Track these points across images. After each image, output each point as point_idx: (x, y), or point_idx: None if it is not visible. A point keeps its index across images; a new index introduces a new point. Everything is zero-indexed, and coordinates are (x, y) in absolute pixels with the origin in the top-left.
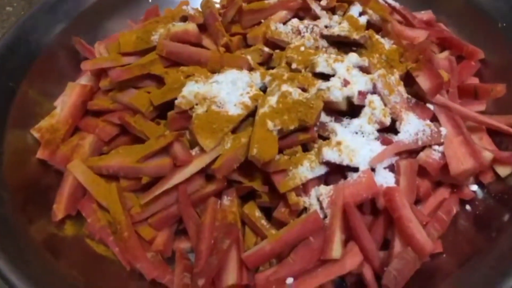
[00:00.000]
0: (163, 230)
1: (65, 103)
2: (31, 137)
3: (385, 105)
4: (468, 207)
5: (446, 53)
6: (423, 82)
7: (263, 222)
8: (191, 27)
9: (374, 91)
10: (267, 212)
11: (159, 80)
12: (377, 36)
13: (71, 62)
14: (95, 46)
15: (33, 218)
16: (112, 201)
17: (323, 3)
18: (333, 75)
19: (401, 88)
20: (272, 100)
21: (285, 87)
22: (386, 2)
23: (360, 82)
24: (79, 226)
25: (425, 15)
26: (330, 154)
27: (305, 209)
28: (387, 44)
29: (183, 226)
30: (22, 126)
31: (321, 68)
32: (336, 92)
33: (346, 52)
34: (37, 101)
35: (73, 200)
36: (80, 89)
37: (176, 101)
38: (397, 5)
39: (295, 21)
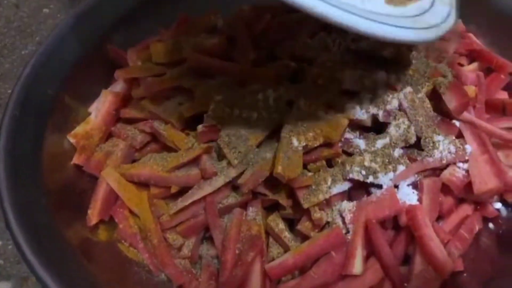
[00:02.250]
0: (190, 238)
1: (99, 110)
2: (67, 143)
3: (411, 122)
4: (491, 225)
5: (475, 65)
6: (449, 100)
7: (287, 234)
8: (220, 41)
9: (400, 108)
10: (290, 223)
11: (189, 92)
12: (405, 51)
13: (104, 68)
14: (127, 53)
15: (69, 222)
16: (143, 209)
17: None
18: (359, 92)
19: (427, 106)
20: (298, 117)
21: (310, 104)
22: None
23: (386, 100)
24: (112, 231)
25: (455, 25)
26: (354, 171)
27: (327, 223)
28: (414, 59)
29: (209, 233)
30: (59, 132)
31: (347, 85)
32: (361, 110)
33: (373, 67)
34: (73, 107)
35: (106, 206)
36: (114, 97)
37: (205, 115)
38: None
39: (322, 34)
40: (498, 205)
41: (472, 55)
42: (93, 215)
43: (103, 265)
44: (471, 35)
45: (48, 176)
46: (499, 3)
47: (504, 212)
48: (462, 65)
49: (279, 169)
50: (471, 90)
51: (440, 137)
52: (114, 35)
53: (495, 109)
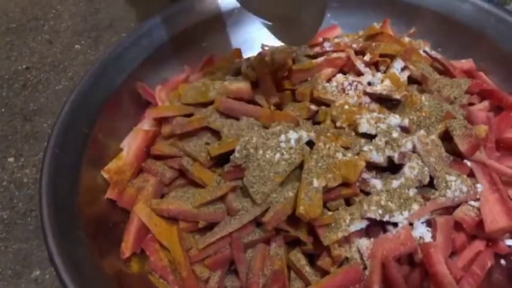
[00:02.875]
0: (216, 271)
1: (130, 147)
2: (101, 178)
3: (424, 163)
4: (503, 261)
5: (486, 103)
6: (460, 143)
7: (307, 269)
8: (245, 85)
9: (414, 150)
10: (311, 257)
11: (216, 132)
12: (417, 93)
13: (134, 105)
14: (156, 91)
15: (104, 254)
16: (172, 243)
17: (367, 58)
18: (375, 135)
19: (440, 147)
20: (317, 158)
21: (329, 146)
22: (427, 53)
23: (400, 143)
24: (143, 263)
25: (466, 64)
26: (371, 210)
27: (346, 259)
28: (426, 100)
29: (234, 267)
30: (94, 167)
31: (363, 128)
32: (377, 153)
33: (388, 107)
34: (105, 143)
35: (138, 239)
36: (144, 134)
37: (231, 157)
38: (438, 55)
39: (339, 77)
40: (510, 242)
41: (483, 94)
42: (127, 248)
43: None
44: (481, 74)
45: (85, 210)
46: (510, 42)
47: None
48: (473, 104)
49: (301, 209)
50: (481, 129)
51: (453, 177)
52: (143, 73)
53: (506, 147)
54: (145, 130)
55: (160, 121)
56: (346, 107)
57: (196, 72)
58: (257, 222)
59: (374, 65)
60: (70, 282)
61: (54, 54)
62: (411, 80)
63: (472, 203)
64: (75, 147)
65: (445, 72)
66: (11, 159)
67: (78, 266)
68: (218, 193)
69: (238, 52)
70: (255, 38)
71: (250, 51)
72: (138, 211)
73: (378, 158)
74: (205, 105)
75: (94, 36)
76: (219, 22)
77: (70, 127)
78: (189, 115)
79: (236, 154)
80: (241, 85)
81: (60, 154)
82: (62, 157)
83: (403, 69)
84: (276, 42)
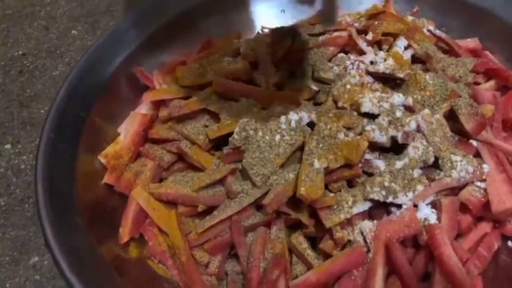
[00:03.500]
0: (216, 255)
1: (127, 131)
2: (98, 162)
3: (429, 143)
4: (510, 243)
5: (491, 83)
6: (466, 121)
7: (309, 252)
8: (243, 65)
9: (418, 130)
10: (313, 241)
11: (214, 114)
12: (421, 72)
13: (132, 89)
14: (153, 75)
15: (101, 239)
16: (171, 227)
17: (369, 37)
18: (378, 115)
19: (445, 127)
20: (319, 139)
21: (331, 127)
22: (431, 32)
23: (404, 123)
24: (142, 248)
25: (471, 43)
26: (374, 191)
27: (349, 242)
28: (431, 79)
29: (234, 251)
30: (91, 152)
31: (366, 108)
32: (380, 133)
33: (391, 87)
34: (103, 128)
35: (137, 224)
36: (141, 118)
37: (230, 139)
38: (442, 34)
39: (341, 57)
40: None
41: (489, 73)
42: (125, 233)
43: (134, 281)
44: (487, 53)
45: (82, 196)
46: None
47: None
48: (478, 84)
49: (301, 190)
50: (487, 109)
51: (458, 157)
52: (140, 57)
53: None
54: (143, 114)
55: (158, 105)
56: (348, 86)
57: (194, 55)
58: (257, 205)
59: (377, 44)
60: (67, 267)
61: (51, 40)
62: (415, 59)
63: (478, 184)
64: (71, 132)
65: (449, 51)
66: (8, 146)
67: (75, 251)
68: (217, 176)
69: (237, 34)
70: (254, 20)
71: (250, 34)
72: (136, 196)
73: (381, 137)
74: (203, 87)
75: (91, 21)
76: (218, 4)
77: (66, 112)
78: (187, 97)
79: (235, 136)
80: (240, 66)
81: (56, 139)
82: (58, 142)
83: (406, 47)
84: (275, 24)
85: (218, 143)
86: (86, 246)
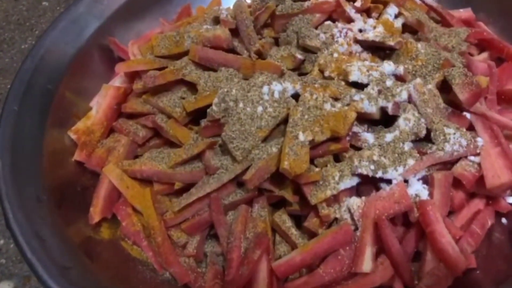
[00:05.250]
0: (195, 235)
1: (100, 105)
2: (68, 139)
3: (420, 114)
4: (504, 220)
5: (485, 55)
6: (460, 91)
7: (294, 231)
8: (223, 32)
9: (409, 100)
10: (298, 219)
11: (192, 85)
12: (413, 41)
13: (106, 61)
14: (128, 46)
15: (70, 220)
16: (146, 206)
17: (358, 4)
18: (367, 85)
19: (437, 98)
20: (304, 110)
21: (317, 97)
22: (423, 1)
23: (394, 92)
24: (115, 229)
25: (464, 13)
26: (362, 165)
27: (336, 220)
28: (423, 48)
29: (214, 231)
30: (60, 127)
31: (354, 77)
32: (369, 103)
33: (381, 57)
34: (73, 102)
35: (109, 203)
36: (114, 91)
37: (208, 110)
38: (434, 3)
39: (327, 24)
40: (511, 199)
41: (482, 45)
42: (95, 213)
43: (106, 264)
44: (481, 23)
45: (49, 173)
46: None
47: None
48: (472, 55)
49: (285, 164)
50: (482, 80)
51: (451, 130)
52: (113, 28)
53: (507, 100)
54: (116, 87)
55: (133, 78)
56: (335, 55)
57: (172, 24)
58: (238, 182)
59: (366, 12)
60: (28, 249)
61: (20, 12)
62: (406, 29)
63: (472, 158)
64: (38, 105)
65: (441, 21)
66: None
67: (38, 233)
68: (194, 150)
69: (217, 0)
70: None
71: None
72: (108, 173)
73: (370, 108)
74: (180, 56)
75: None
76: None
77: (32, 84)
78: (163, 68)
79: (214, 108)
80: (219, 32)
81: (20, 113)
82: (23, 116)
83: (397, 15)
84: None
85: (196, 117)
86: (51, 227)
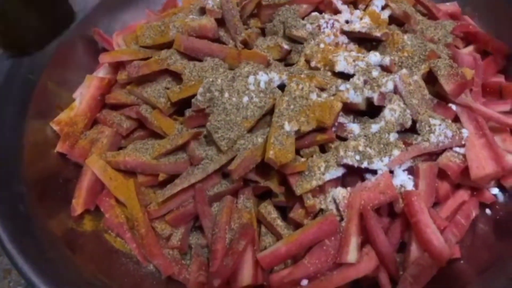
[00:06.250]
0: (179, 227)
1: (83, 96)
2: (50, 130)
3: (406, 105)
4: (488, 211)
5: (470, 48)
6: (446, 82)
7: (279, 222)
8: (209, 22)
9: (395, 91)
10: (283, 211)
11: (176, 75)
12: (399, 32)
13: (90, 52)
14: (113, 37)
15: (52, 212)
16: (129, 198)
17: None
18: (353, 75)
19: (423, 89)
20: (290, 100)
21: (303, 87)
22: None
23: (380, 83)
24: (98, 221)
25: (450, 7)
26: (348, 156)
27: (321, 211)
28: (409, 40)
29: (199, 223)
30: (42, 118)
31: (340, 67)
32: (355, 93)
33: (367, 48)
34: (56, 93)
35: (92, 195)
36: (98, 82)
37: (193, 100)
38: None
39: (314, 15)
40: (495, 190)
41: (468, 38)
42: (78, 204)
43: (88, 256)
44: (466, 17)
45: (30, 165)
46: None
47: (501, 197)
48: (457, 48)
49: (270, 154)
50: (468, 72)
51: (437, 121)
52: (98, 19)
53: (492, 92)
54: (99, 78)
55: (117, 68)
56: (322, 45)
57: (157, 15)
58: (223, 173)
59: (353, 4)
60: (9, 242)
61: None
62: (392, 21)
63: (457, 149)
64: (19, 95)
65: (428, 14)
66: None
67: (19, 225)
68: (179, 141)
69: None
70: None
71: None
72: (91, 164)
73: (356, 98)
74: (165, 47)
75: None
76: None
77: (12, 73)
78: (148, 59)
79: (199, 97)
80: (205, 22)
81: (0, 104)
82: (3, 106)
83: (383, 7)
84: None
85: (181, 107)
86: (33, 220)
